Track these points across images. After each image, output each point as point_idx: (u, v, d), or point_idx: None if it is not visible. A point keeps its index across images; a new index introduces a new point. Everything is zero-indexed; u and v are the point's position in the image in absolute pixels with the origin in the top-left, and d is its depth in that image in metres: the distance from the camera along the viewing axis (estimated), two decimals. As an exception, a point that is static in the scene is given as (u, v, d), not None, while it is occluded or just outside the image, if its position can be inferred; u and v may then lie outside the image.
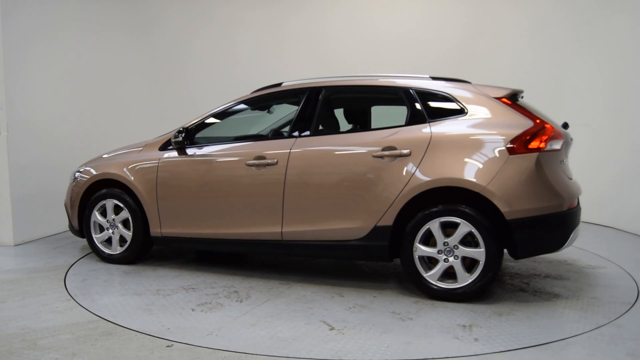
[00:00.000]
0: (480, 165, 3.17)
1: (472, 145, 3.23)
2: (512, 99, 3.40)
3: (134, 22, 7.13)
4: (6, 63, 4.83)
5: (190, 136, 3.96)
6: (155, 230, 4.02)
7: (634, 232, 5.40)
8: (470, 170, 3.18)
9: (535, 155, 3.13)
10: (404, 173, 3.29)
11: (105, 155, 4.48)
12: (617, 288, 3.50)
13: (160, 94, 7.45)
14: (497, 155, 3.16)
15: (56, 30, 5.66)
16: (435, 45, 7.12)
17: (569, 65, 6.29)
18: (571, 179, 3.55)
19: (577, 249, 4.67)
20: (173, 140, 3.93)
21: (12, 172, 4.92)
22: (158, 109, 7.40)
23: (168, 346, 2.54)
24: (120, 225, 4.16)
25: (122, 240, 4.18)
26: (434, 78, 3.57)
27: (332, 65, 7.12)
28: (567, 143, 3.46)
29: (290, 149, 3.60)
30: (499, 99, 3.34)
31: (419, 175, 3.25)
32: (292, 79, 4.02)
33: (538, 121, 3.23)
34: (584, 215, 6.03)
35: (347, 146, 3.52)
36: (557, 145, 3.25)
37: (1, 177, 4.88)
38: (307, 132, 3.65)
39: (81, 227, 4.34)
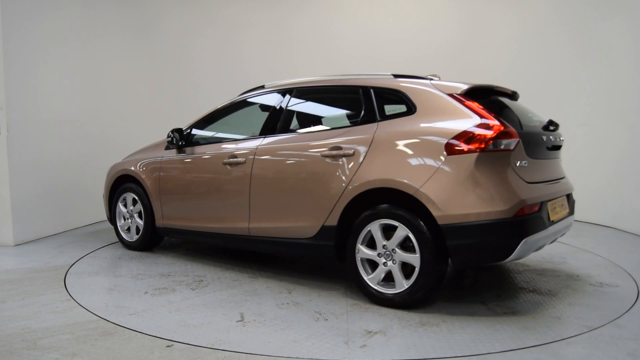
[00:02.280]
0: (417, 167, 3.00)
1: (412, 146, 3.06)
2: (470, 96, 3.12)
3: (136, 22, 7.13)
4: (6, 63, 4.83)
5: (185, 137, 4.34)
6: (158, 221, 4.48)
7: (634, 232, 5.41)
8: (405, 172, 3.02)
9: (474, 155, 2.87)
10: (347, 173, 3.25)
11: (134, 152, 5.00)
12: (617, 288, 3.50)
13: (162, 94, 7.45)
14: (435, 155, 2.95)
15: (56, 30, 5.66)
16: (436, 45, 7.12)
17: (566, 66, 6.30)
18: (559, 179, 3.47)
19: (577, 249, 4.68)
20: (166, 140, 4.40)
21: (12, 172, 4.92)
22: (160, 109, 7.41)
23: (168, 346, 2.54)
24: (136, 216, 4.70)
25: (138, 229, 4.71)
26: (396, 76, 3.50)
27: (335, 65, 7.13)
28: (535, 143, 3.19)
29: (256, 149, 3.77)
30: (452, 95, 3.11)
31: (359, 176, 3.19)
32: (275, 80, 4.16)
33: (487, 119, 2.94)
34: (584, 215, 6.09)
35: (303, 146, 3.55)
36: (508, 145, 2.93)
37: (1, 177, 4.88)
38: (274, 132, 3.79)
39: (112, 216, 4.92)
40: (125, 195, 4.77)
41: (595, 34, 5.97)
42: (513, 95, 3.68)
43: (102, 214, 6.47)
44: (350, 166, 3.25)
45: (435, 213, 2.89)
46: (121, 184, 4.82)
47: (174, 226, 4.35)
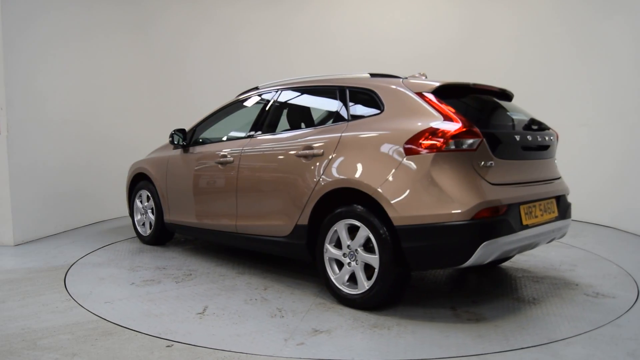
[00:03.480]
0: (377, 167, 2.97)
1: (374, 145, 3.03)
2: (440, 94, 3.03)
3: (135, 22, 7.13)
4: (6, 63, 4.84)
5: (189, 136, 4.51)
6: (165, 217, 4.71)
7: (634, 232, 5.41)
8: (366, 172, 3.00)
9: (431, 156, 2.80)
10: (316, 173, 3.27)
11: (152, 151, 5.21)
12: (617, 288, 3.49)
13: (161, 94, 7.45)
14: (395, 155, 2.91)
15: (56, 31, 5.66)
16: (437, 45, 7.12)
17: (567, 66, 6.29)
18: (545, 180, 3.30)
19: (577, 249, 4.68)
20: (168, 140, 4.58)
21: (12, 172, 4.92)
22: (160, 109, 7.41)
23: (168, 346, 2.54)
24: (149, 212, 4.96)
25: (151, 225, 4.95)
26: (373, 75, 3.50)
27: (336, 64, 7.13)
28: (508, 143, 3.05)
29: (242, 149, 3.89)
30: (420, 94, 3.04)
31: (326, 175, 3.20)
32: (271, 81, 4.24)
33: (449, 118, 2.85)
34: (585, 216, 6.09)
35: (281, 146, 3.61)
36: (469, 145, 2.82)
37: (1, 177, 4.88)
38: (260, 132, 3.89)
39: (131, 211, 5.22)
40: (140, 192, 5.06)
41: (596, 34, 5.97)
42: (502, 94, 3.54)
43: (102, 214, 6.50)
44: (319, 166, 3.27)
45: (391, 214, 2.85)
46: (139, 181, 5.11)
47: (177, 222, 4.56)
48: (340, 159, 3.17)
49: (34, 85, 5.27)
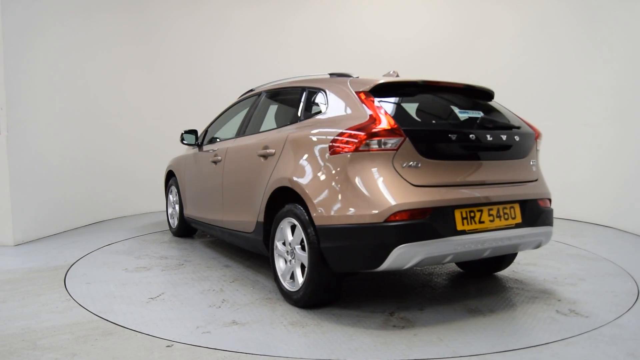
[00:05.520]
0: (307, 167, 3.01)
1: (309, 145, 3.05)
2: (376, 93, 2.97)
3: (135, 22, 7.13)
4: (6, 63, 4.84)
5: (202, 137, 4.81)
6: (184, 211, 5.08)
7: (634, 232, 5.41)
8: (299, 172, 3.05)
9: (348, 155, 2.76)
10: (269, 172, 3.36)
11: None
12: (617, 288, 3.49)
13: (160, 93, 7.45)
14: (322, 155, 2.92)
15: (56, 31, 5.66)
16: (437, 45, 7.12)
17: (568, 66, 6.29)
18: (501, 183, 3.03)
19: (577, 249, 4.68)
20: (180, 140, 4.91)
21: (12, 172, 4.92)
22: (161, 108, 7.41)
23: (168, 346, 2.54)
24: (176, 206, 5.37)
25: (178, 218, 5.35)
26: (332, 75, 3.52)
27: (337, 64, 7.13)
28: (444, 142, 2.86)
29: (227, 149, 4.12)
30: (358, 93, 3.00)
31: (274, 174, 3.29)
32: (259, 84, 4.46)
33: (373, 117, 2.79)
34: (585, 215, 6.09)
35: (252, 145, 3.73)
36: (388, 144, 2.72)
37: (1, 177, 4.88)
38: (244, 133, 4.05)
39: (166, 205, 5.70)
40: (171, 187, 5.51)
41: (597, 34, 5.97)
42: (469, 90, 3.34)
43: (102, 214, 6.51)
44: (271, 165, 3.36)
45: (313, 213, 2.86)
46: (172, 177, 5.52)
47: (190, 216, 4.95)
48: (284, 158, 3.25)
49: (34, 85, 5.27)
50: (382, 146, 2.73)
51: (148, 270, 4.02)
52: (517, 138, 3.12)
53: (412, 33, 7.24)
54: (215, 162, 4.27)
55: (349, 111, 2.98)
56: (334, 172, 2.82)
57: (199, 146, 4.78)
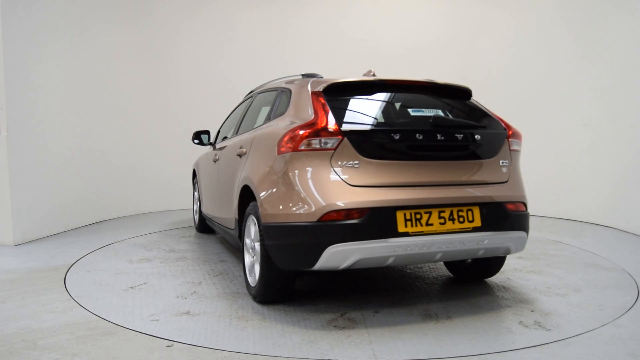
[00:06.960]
0: (260, 166, 3.09)
1: (265, 145, 3.12)
2: (328, 93, 2.97)
3: (135, 22, 7.13)
4: (6, 63, 4.83)
5: (214, 136, 5.06)
6: (201, 207, 5.36)
7: (634, 232, 5.40)
8: (254, 171, 3.17)
9: (288, 155, 2.79)
10: (240, 170, 3.49)
11: None
12: (617, 288, 3.48)
13: (159, 93, 7.45)
14: (271, 155, 2.97)
15: (56, 31, 5.66)
16: (437, 45, 7.12)
17: (568, 66, 6.30)
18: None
19: (577, 249, 4.67)
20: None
21: (12, 172, 4.92)
22: (161, 108, 7.41)
23: (168, 346, 2.54)
24: (198, 203, 5.63)
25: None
26: (304, 75, 3.52)
27: (339, 63, 7.14)
28: (388, 142, 2.79)
29: (222, 148, 4.30)
30: (312, 93, 2.99)
31: (242, 173, 3.41)
32: (265, 83, 4.52)
33: (317, 117, 2.81)
34: (585, 215, 6.09)
35: (235, 145, 3.86)
36: (327, 144, 2.71)
37: (1, 177, 4.88)
38: (236, 133, 4.21)
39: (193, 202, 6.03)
40: (195, 185, 5.80)
41: (597, 34, 5.97)
42: (434, 89, 3.25)
43: (102, 214, 6.50)
44: (242, 164, 3.49)
45: (260, 212, 2.95)
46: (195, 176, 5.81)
47: (203, 212, 5.24)
48: (250, 157, 3.37)
49: (34, 85, 5.27)
50: (322, 146, 2.73)
51: (149, 261, 4.23)
52: (477, 137, 2.97)
53: (415, 33, 7.24)
54: (215, 161, 4.55)
55: (300, 111, 3.01)
56: (278, 171, 2.88)
57: (213, 145, 4.96)
